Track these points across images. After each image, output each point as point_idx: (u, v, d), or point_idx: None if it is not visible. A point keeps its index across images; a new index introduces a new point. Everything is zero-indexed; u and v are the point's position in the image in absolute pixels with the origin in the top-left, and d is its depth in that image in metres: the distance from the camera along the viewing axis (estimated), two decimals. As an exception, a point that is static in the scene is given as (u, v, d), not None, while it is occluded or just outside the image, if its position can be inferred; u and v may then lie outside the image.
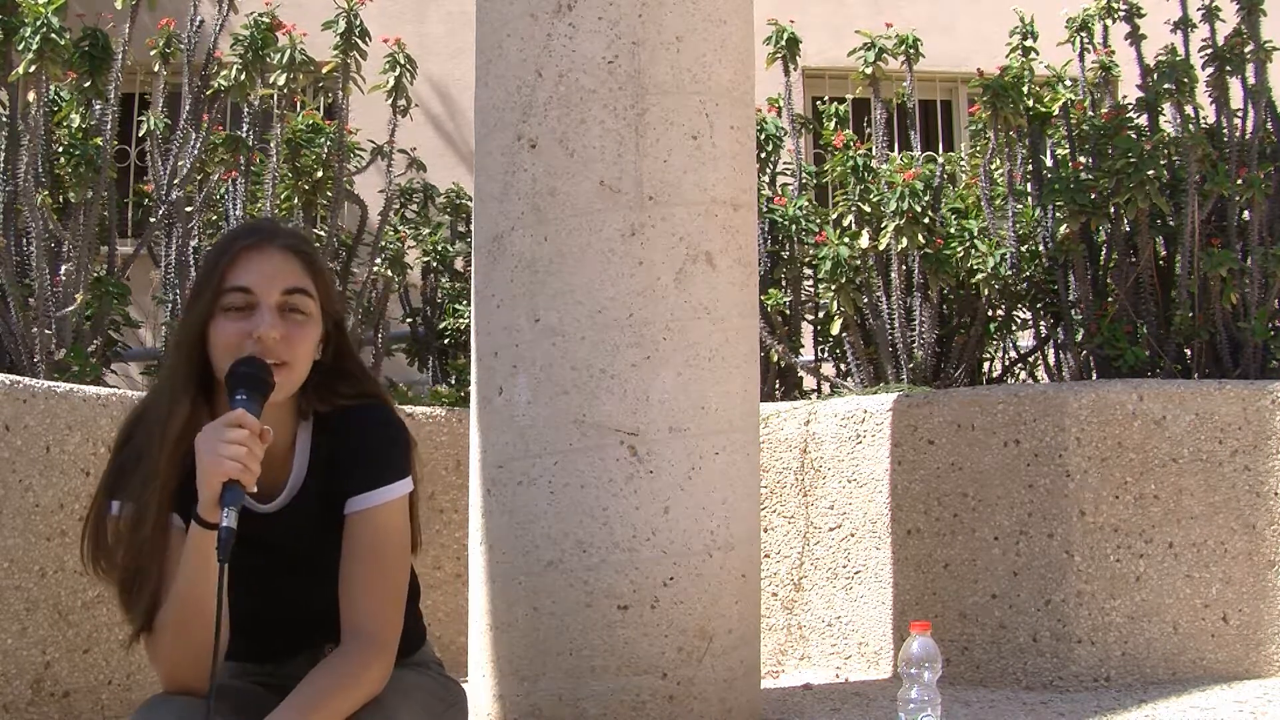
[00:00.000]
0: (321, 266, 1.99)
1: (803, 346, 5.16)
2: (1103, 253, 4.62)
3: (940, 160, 4.96)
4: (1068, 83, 4.90)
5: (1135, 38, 4.70)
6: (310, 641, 1.98)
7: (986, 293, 4.64)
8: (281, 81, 4.55)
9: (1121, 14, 4.77)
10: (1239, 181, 4.29)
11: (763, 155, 5.15)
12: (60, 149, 4.19)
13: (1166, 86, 4.43)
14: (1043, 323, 4.83)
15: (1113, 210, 4.36)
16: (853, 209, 4.72)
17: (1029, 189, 4.78)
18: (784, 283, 5.05)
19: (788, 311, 5.04)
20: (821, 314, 5.02)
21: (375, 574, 1.91)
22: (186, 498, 1.84)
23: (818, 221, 5.02)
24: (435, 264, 5.50)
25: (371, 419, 1.98)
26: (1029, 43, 4.81)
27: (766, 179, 5.24)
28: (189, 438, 1.84)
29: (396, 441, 1.98)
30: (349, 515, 1.93)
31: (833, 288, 4.70)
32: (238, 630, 1.84)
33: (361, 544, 1.91)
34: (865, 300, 4.71)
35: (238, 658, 1.99)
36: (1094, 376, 4.43)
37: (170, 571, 1.84)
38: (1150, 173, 4.15)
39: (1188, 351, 4.37)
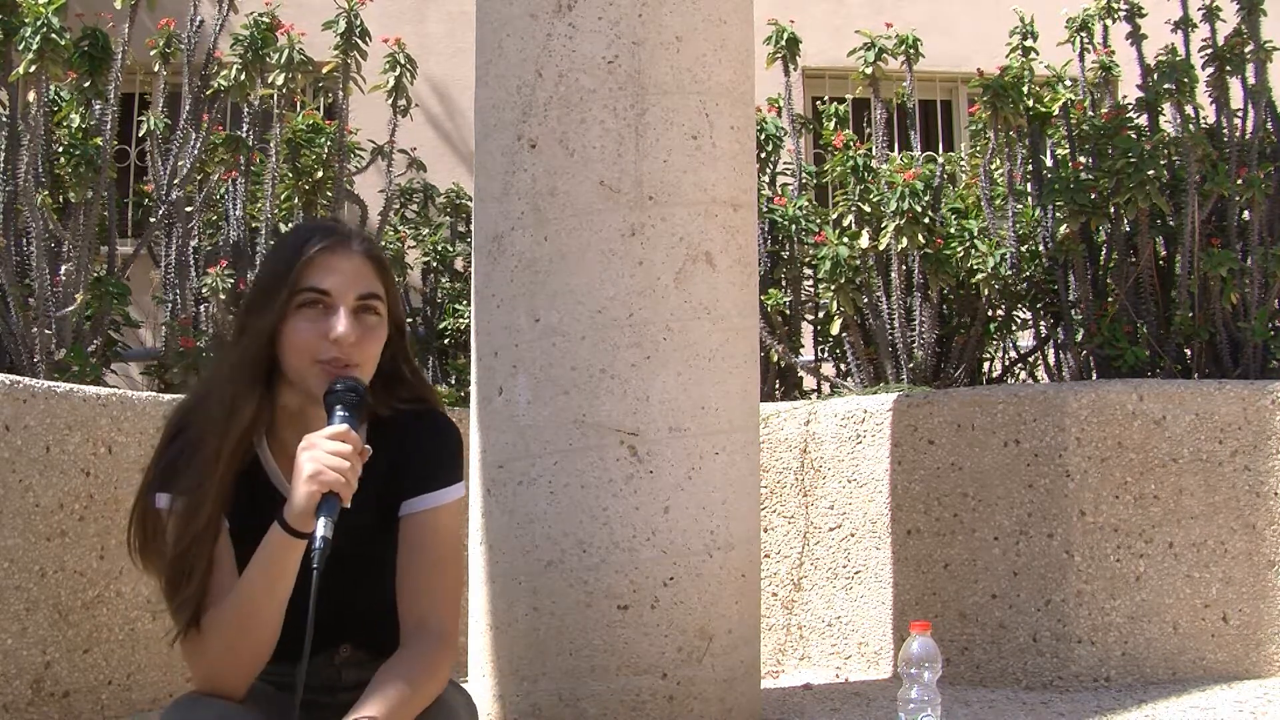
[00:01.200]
0: (391, 271, 2.02)
1: (803, 346, 5.16)
2: (1103, 253, 4.61)
3: (940, 160, 4.96)
4: (1068, 83, 4.90)
5: (1135, 38, 4.70)
6: (329, 643, 1.98)
7: (986, 293, 4.64)
8: (281, 81, 4.55)
9: (1122, 14, 4.77)
10: (1239, 181, 4.29)
11: (763, 155, 5.15)
12: (60, 149, 4.19)
13: (1166, 86, 4.43)
14: (1043, 323, 4.83)
15: (1113, 210, 4.36)
16: (853, 209, 4.72)
17: (1029, 189, 4.78)
18: (784, 283, 5.05)
19: (788, 311, 5.04)
20: (821, 314, 5.02)
21: (436, 573, 1.93)
22: (236, 500, 1.85)
23: (818, 221, 5.02)
24: (435, 264, 5.51)
25: (429, 424, 2.02)
26: (1029, 43, 4.81)
27: (766, 179, 5.24)
28: (251, 435, 1.87)
29: (452, 446, 2.02)
30: (406, 517, 1.96)
31: (833, 288, 4.70)
32: None
33: (420, 544, 1.94)
34: (865, 300, 4.71)
35: None
36: (1094, 376, 4.43)
37: (219, 569, 1.84)
38: (1150, 173, 4.15)
39: (1188, 351, 4.37)
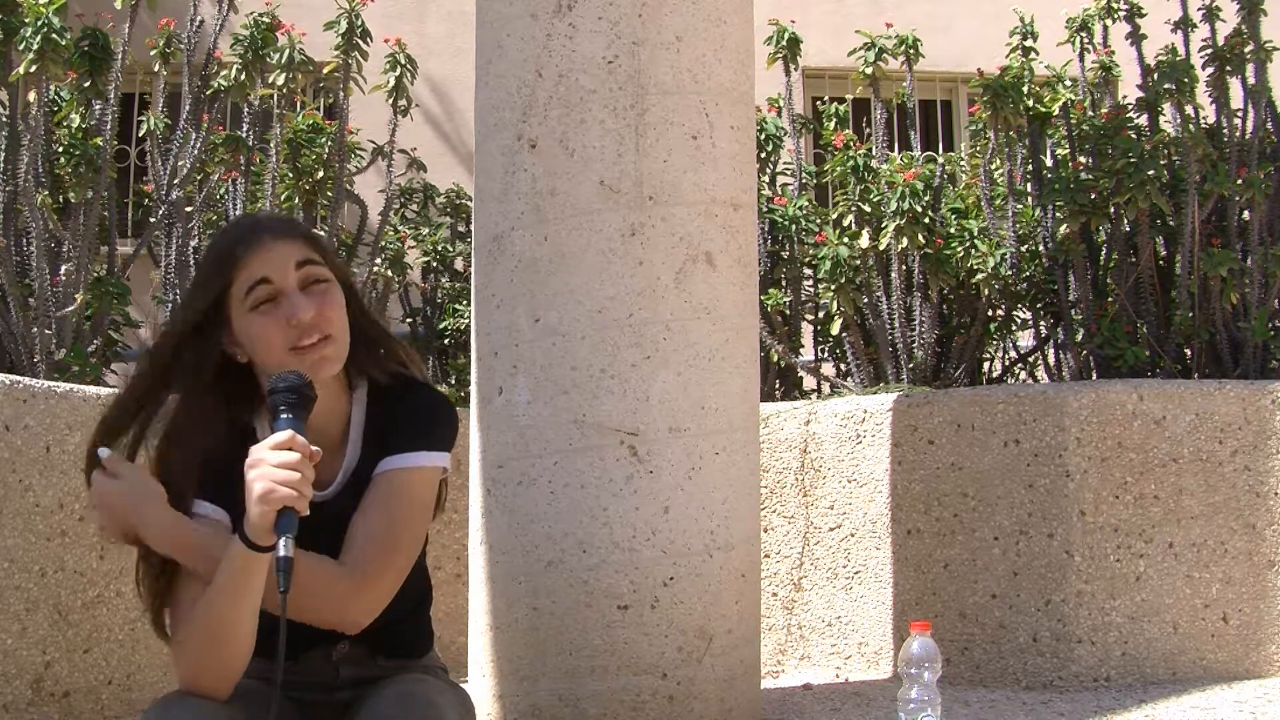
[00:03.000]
0: (315, 235, 2.00)
1: (803, 346, 5.16)
2: (1103, 253, 4.61)
3: (940, 160, 4.96)
4: (1068, 83, 4.90)
5: (1135, 38, 4.70)
6: (326, 638, 1.97)
7: (986, 293, 4.64)
8: (281, 81, 4.55)
9: (1122, 14, 4.77)
10: (1239, 181, 4.29)
11: (763, 155, 5.15)
12: (60, 149, 4.19)
13: (1166, 86, 4.43)
14: (1043, 323, 4.83)
15: (1113, 210, 4.36)
16: (853, 209, 4.72)
17: (1029, 189, 4.78)
18: (784, 283, 5.05)
19: (788, 311, 5.04)
20: (821, 314, 5.02)
21: (394, 529, 1.87)
22: (209, 488, 1.86)
23: (818, 221, 5.02)
24: (435, 264, 5.51)
25: (424, 397, 1.99)
26: (1029, 43, 4.81)
27: (766, 179, 5.24)
28: (201, 436, 1.87)
29: (440, 418, 1.98)
30: (378, 474, 1.90)
31: (833, 288, 4.70)
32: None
33: (378, 497, 1.88)
34: (865, 300, 4.71)
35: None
36: (1094, 376, 4.43)
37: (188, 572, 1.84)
38: (1150, 173, 4.15)
39: (1188, 351, 4.37)
